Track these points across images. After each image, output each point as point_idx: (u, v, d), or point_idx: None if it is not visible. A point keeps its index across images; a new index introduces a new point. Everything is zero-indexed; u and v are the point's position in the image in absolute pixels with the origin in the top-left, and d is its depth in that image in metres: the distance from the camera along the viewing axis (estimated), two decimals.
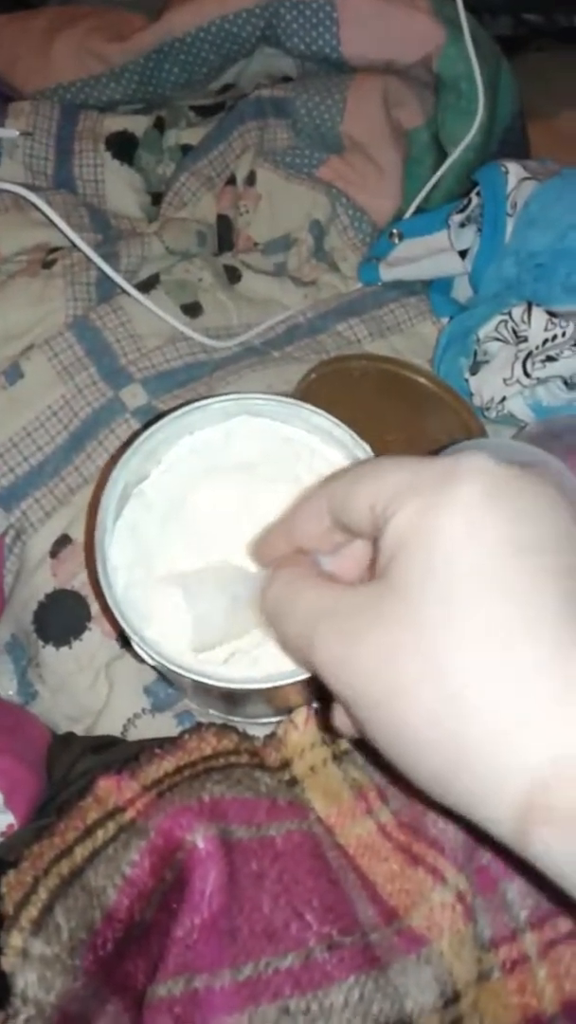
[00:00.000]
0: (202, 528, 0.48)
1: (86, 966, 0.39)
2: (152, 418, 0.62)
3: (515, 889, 0.42)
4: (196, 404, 0.49)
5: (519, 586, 0.27)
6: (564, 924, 0.41)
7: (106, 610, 0.49)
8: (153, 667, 0.46)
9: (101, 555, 0.45)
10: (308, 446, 0.50)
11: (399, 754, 0.29)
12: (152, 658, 0.44)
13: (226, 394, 0.49)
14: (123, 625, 0.44)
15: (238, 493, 0.49)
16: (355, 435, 0.48)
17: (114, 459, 0.60)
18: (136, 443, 0.47)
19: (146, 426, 0.48)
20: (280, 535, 0.39)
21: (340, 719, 0.37)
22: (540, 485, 0.29)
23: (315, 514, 0.36)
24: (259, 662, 0.45)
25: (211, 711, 0.54)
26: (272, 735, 0.49)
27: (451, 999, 0.39)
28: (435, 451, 0.51)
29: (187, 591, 0.44)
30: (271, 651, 0.45)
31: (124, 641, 0.56)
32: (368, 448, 0.47)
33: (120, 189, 0.79)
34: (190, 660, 0.44)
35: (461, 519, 0.28)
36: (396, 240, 0.76)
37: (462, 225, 0.71)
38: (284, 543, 0.39)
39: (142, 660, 0.45)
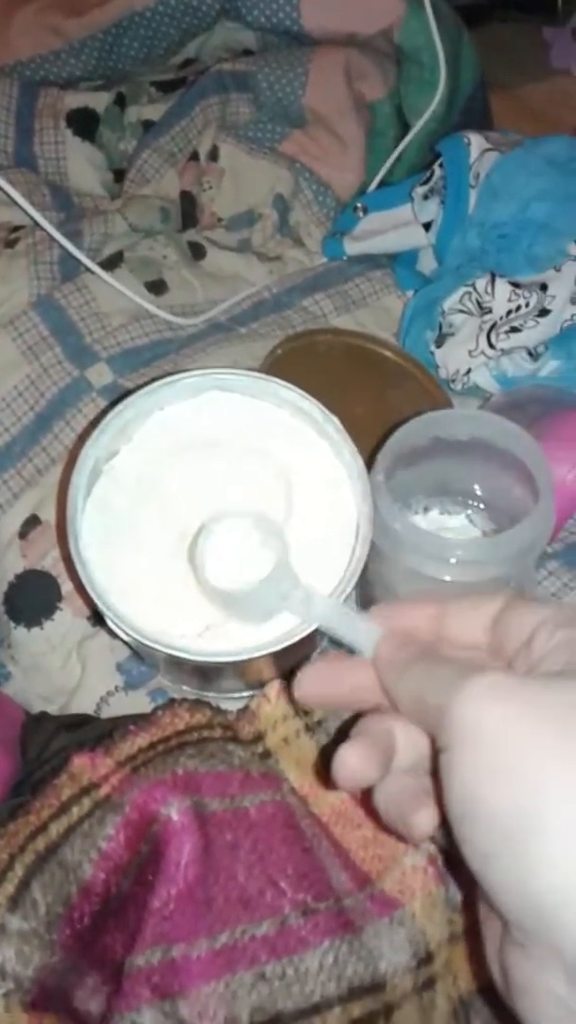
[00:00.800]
0: (173, 504, 0.48)
1: (64, 940, 0.40)
2: (119, 396, 0.61)
3: None
4: (165, 380, 0.49)
5: None
6: None
7: (79, 587, 0.49)
8: (127, 643, 0.46)
9: (73, 532, 0.45)
10: (278, 420, 0.50)
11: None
12: (127, 633, 0.44)
13: (195, 369, 0.49)
14: (97, 601, 0.44)
15: (208, 469, 0.49)
16: (324, 409, 0.48)
17: (83, 437, 0.60)
18: (105, 420, 0.47)
19: (114, 403, 0.48)
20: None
21: (307, 687, 0.37)
22: None
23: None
24: (231, 636, 0.45)
25: (184, 687, 0.55)
26: (245, 708, 0.50)
27: (424, 959, 0.40)
28: (400, 423, 0.51)
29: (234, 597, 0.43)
30: (245, 625, 0.45)
31: (97, 618, 0.56)
32: (337, 422, 0.48)
33: (82, 166, 0.79)
34: (163, 635, 0.44)
35: None
36: (360, 214, 0.76)
37: (425, 197, 0.71)
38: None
39: (116, 636, 0.45)
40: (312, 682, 0.37)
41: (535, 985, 0.28)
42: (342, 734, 0.46)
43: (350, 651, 0.37)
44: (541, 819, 0.26)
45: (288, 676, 0.49)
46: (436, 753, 0.30)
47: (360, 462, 0.47)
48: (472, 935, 0.41)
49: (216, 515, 0.42)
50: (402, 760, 0.34)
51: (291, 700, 0.49)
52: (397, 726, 0.35)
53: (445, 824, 0.30)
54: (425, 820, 0.32)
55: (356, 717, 0.37)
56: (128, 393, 0.48)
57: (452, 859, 0.39)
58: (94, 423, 0.47)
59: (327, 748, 0.46)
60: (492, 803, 0.27)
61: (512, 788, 0.27)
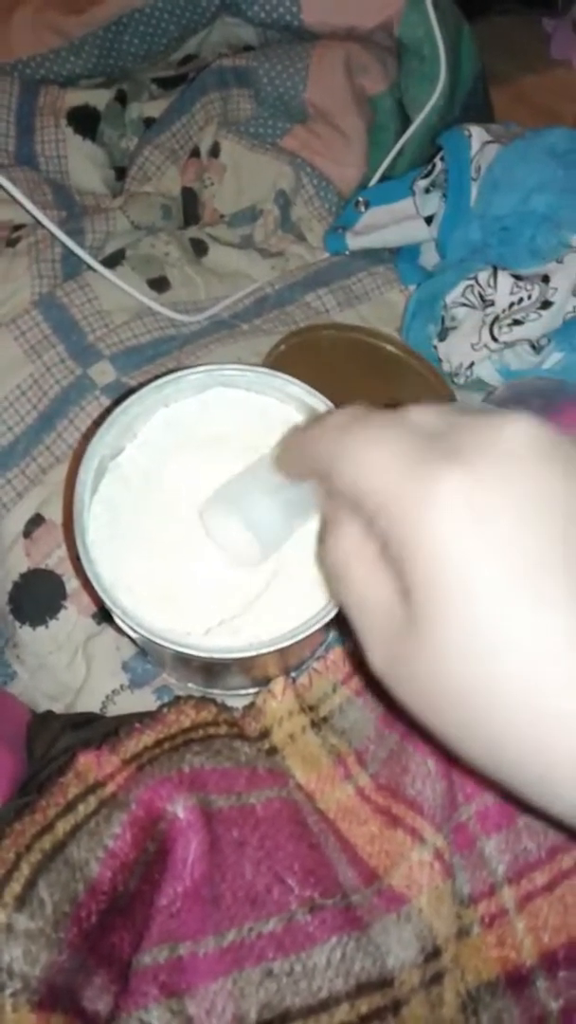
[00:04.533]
0: (179, 500, 0.48)
1: (71, 939, 0.40)
2: (123, 394, 0.61)
3: (493, 845, 0.43)
4: (171, 376, 0.48)
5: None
6: (541, 877, 0.42)
7: (86, 585, 0.49)
8: (133, 640, 0.46)
9: (80, 529, 0.45)
10: (283, 415, 0.50)
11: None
12: (134, 630, 0.44)
13: (200, 365, 0.49)
14: (104, 598, 0.44)
15: (214, 465, 0.49)
16: (330, 404, 0.48)
17: (88, 435, 0.60)
18: (111, 417, 0.47)
19: (119, 400, 0.48)
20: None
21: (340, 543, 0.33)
22: None
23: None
24: (239, 632, 0.45)
25: (189, 684, 0.55)
26: (251, 705, 0.50)
27: (432, 955, 0.40)
28: None
29: (233, 503, 0.43)
30: (250, 620, 0.45)
31: (103, 616, 0.56)
32: None
33: (83, 164, 0.78)
34: (170, 632, 0.44)
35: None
36: (362, 209, 0.76)
37: (427, 191, 0.71)
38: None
39: (123, 633, 0.45)
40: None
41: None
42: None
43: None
44: None
45: (300, 668, 0.49)
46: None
47: None
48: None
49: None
50: None
51: (297, 696, 0.49)
52: None
53: None
54: None
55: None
56: (132, 390, 0.48)
57: None
58: (98, 421, 0.47)
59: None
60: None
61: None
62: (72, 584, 0.57)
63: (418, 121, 0.79)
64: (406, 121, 0.80)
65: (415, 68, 0.79)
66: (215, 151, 0.78)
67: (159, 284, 0.71)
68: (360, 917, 0.40)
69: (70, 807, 0.43)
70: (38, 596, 0.58)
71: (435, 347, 0.67)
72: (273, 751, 0.47)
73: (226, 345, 0.68)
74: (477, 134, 0.68)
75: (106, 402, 0.63)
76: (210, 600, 0.47)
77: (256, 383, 0.50)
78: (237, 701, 0.51)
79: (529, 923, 0.41)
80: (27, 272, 0.68)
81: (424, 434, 0.29)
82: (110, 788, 0.43)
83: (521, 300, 0.62)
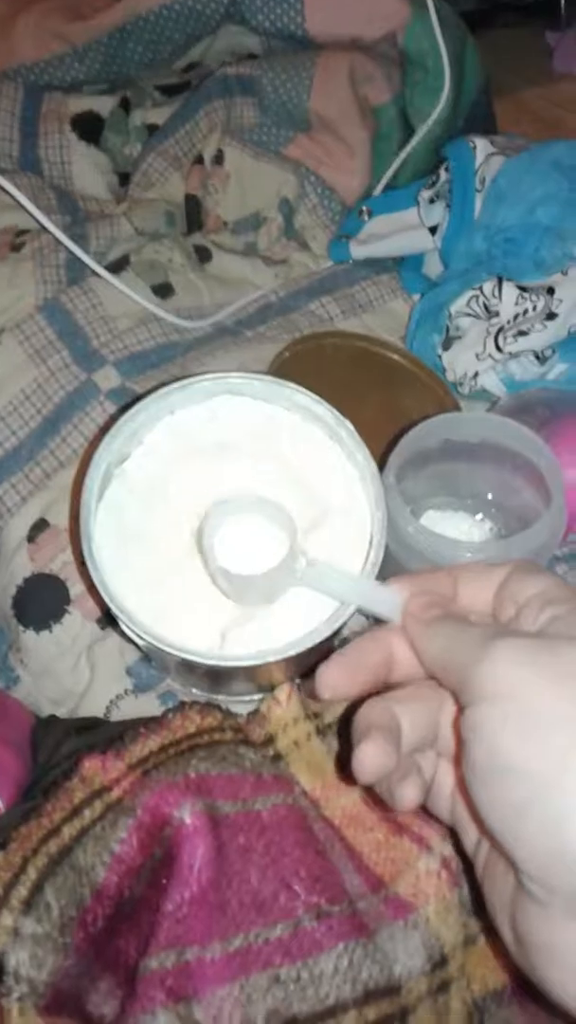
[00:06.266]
0: (184, 508, 0.48)
1: (77, 943, 0.40)
2: (129, 400, 0.61)
3: None
4: (177, 384, 0.48)
5: None
6: None
7: (91, 590, 0.49)
8: (138, 645, 0.46)
9: (86, 535, 0.45)
10: (289, 424, 0.50)
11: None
12: (139, 636, 0.44)
13: (207, 373, 0.49)
14: (110, 604, 0.44)
15: (219, 473, 0.49)
16: (337, 412, 0.48)
17: (94, 441, 0.60)
18: (117, 424, 0.47)
19: (126, 407, 0.48)
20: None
21: (331, 680, 0.36)
22: None
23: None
24: (245, 640, 0.45)
25: (194, 690, 0.55)
26: (255, 711, 0.50)
27: (439, 963, 0.40)
28: (408, 426, 0.51)
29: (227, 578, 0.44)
30: (256, 628, 0.45)
31: (108, 620, 0.56)
32: (350, 425, 0.48)
33: (87, 170, 0.79)
34: (176, 638, 0.44)
35: None
36: (366, 217, 0.76)
37: (431, 201, 0.71)
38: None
39: (129, 639, 0.45)
40: (335, 675, 0.37)
41: (558, 942, 0.28)
42: (344, 724, 0.46)
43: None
44: (571, 773, 0.27)
45: (305, 675, 0.49)
46: (460, 710, 0.31)
47: (373, 466, 0.47)
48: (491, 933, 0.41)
49: (219, 502, 0.43)
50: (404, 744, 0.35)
51: (302, 702, 0.49)
52: (401, 712, 0.35)
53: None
54: (411, 791, 0.34)
55: (353, 708, 0.36)
56: (138, 397, 0.48)
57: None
58: (105, 427, 0.47)
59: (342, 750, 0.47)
60: (521, 756, 0.28)
61: (541, 742, 0.28)
62: (76, 589, 0.57)
63: (422, 132, 0.79)
64: (410, 131, 0.81)
65: (419, 79, 0.79)
66: (219, 158, 0.78)
67: (163, 290, 0.71)
68: (367, 924, 0.40)
69: (76, 812, 0.43)
70: (42, 601, 0.58)
71: (439, 356, 0.68)
72: (278, 757, 0.47)
73: (230, 352, 0.68)
74: (482, 145, 0.68)
75: (110, 407, 0.63)
76: (216, 607, 0.47)
77: (263, 391, 0.50)
78: (242, 707, 0.51)
79: None
80: (31, 277, 0.68)
81: None
82: (116, 793, 0.43)
83: (526, 311, 0.62)
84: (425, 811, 0.42)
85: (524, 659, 0.30)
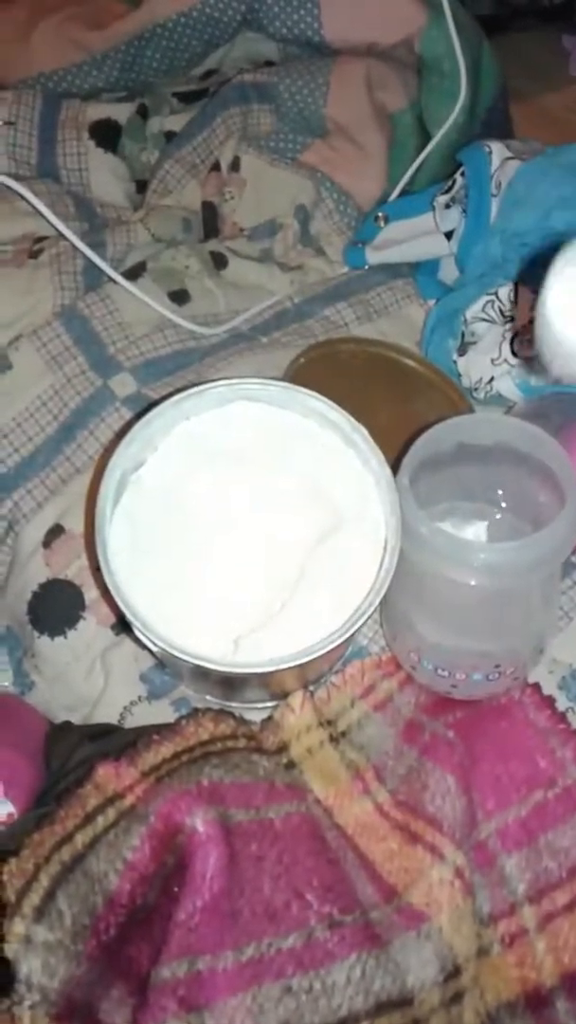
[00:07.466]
0: (199, 514, 0.48)
1: (89, 951, 0.40)
2: (145, 406, 0.62)
3: (513, 863, 0.43)
4: (192, 390, 0.49)
5: None
6: (562, 897, 0.42)
7: (106, 596, 0.49)
8: (152, 652, 0.46)
9: (102, 542, 0.45)
10: (304, 430, 0.50)
11: None
12: (153, 643, 0.44)
13: (222, 379, 0.49)
14: (124, 610, 0.44)
15: (234, 479, 0.49)
16: (352, 418, 0.48)
17: (109, 448, 0.60)
18: (133, 430, 0.47)
19: (141, 413, 0.48)
20: None
21: None
22: None
23: None
24: (258, 647, 0.45)
25: (208, 697, 0.55)
26: (269, 719, 0.50)
27: (452, 974, 0.39)
28: (423, 430, 0.50)
29: None
30: (270, 635, 0.45)
31: (123, 626, 0.56)
32: (365, 431, 0.48)
33: (104, 177, 0.79)
34: (190, 645, 0.44)
35: None
36: (381, 223, 0.76)
37: (447, 206, 0.71)
38: None
39: (143, 645, 0.45)
40: None
41: None
42: None
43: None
44: None
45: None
46: None
47: (388, 471, 0.47)
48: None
49: None
50: None
51: (315, 710, 0.49)
52: None
53: None
54: None
55: None
56: (154, 403, 0.49)
57: None
58: (120, 434, 0.47)
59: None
60: None
61: None
62: (91, 595, 0.58)
63: (438, 137, 0.79)
64: (426, 137, 0.81)
65: (435, 84, 0.79)
66: (236, 165, 0.78)
67: (179, 297, 0.71)
68: (379, 934, 0.39)
69: (89, 819, 0.43)
70: (57, 606, 0.58)
71: (455, 362, 0.67)
72: (291, 765, 0.47)
73: (245, 358, 0.68)
74: (497, 150, 0.68)
75: (127, 414, 0.63)
76: (230, 614, 0.47)
77: (278, 397, 0.50)
78: (255, 714, 0.51)
79: (550, 943, 0.41)
80: (49, 284, 0.69)
81: None
82: (129, 800, 0.43)
83: None
84: (439, 821, 0.42)
85: None
